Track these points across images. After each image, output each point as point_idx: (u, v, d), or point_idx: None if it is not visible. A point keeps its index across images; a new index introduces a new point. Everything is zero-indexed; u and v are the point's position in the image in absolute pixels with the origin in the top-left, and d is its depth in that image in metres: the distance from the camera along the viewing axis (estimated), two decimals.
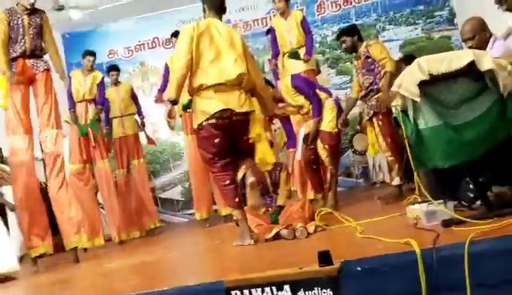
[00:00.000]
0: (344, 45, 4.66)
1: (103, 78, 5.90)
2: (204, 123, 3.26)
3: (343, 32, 4.69)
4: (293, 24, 5.41)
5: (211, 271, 2.85)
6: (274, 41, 5.60)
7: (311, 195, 5.22)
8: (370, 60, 4.47)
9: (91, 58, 5.81)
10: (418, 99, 2.27)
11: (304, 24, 5.47)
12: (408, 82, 2.31)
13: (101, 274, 3.51)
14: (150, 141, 6.57)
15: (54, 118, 4.32)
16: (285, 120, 4.92)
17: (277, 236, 3.20)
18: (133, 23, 8.18)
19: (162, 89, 5.81)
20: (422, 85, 2.28)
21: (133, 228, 5.95)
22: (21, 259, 5.25)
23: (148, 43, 8.17)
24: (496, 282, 1.85)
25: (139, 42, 8.15)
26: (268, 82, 4.70)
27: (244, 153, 3.47)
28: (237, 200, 3.34)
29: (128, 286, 2.64)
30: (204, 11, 3.58)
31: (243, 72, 3.31)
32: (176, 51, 3.47)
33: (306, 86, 4.56)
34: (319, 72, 5.84)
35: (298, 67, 5.32)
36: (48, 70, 4.35)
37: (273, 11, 7.73)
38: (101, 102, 5.82)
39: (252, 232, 3.33)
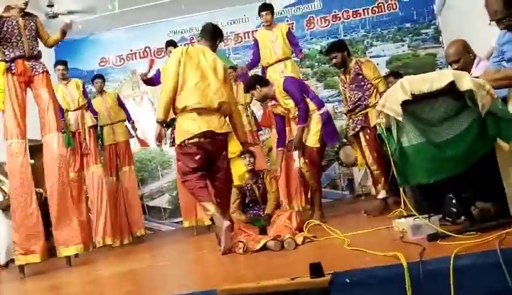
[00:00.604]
0: (334, 61, 4.70)
1: (83, 84, 6.02)
2: (187, 142, 3.63)
3: (333, 48, 4.73)
4: (278, 34, 5.52)
5: (202, 280, 2.88)
6: (256, 51, 5.70)
7: (298, 205, 5.32)
8: (360, 77, 4.56)
9: (60, 67, 5.88)
10: (401, 119, 2.36)
11: (290, 36, 5.57)
12: (391, 102, 2.41)
13: (91, 281, 3.52)
14: (142, 143, 6.59)
15: (58, 121, 4.36)
16: (279, 119, 4.94)
17: (265, 247, 3.25)
18: (125, 31, 8.25)
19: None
20: (405, 104, 2.37)
21: (119, 234, 5.96)
22: (6, 264, 5.26)
23: (139, 52, 8.22)
24: None
25: (131, 50, 8.22)
26: (261, 79, 4.83)
27: (219, 168, 3.79)
28: (211, 195, 3.70)
29: (119, 293, 2.67)
30: (199, 38, 4.06)
31: (223, 101, 3.70)
32: (166, 73, 3.80)
33: (297, 91, 4.57)
34: None
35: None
36: (47, 72, 4.38)
37: (263, 24, 7.88)
38: (93, 110, 6.00)
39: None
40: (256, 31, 8.03)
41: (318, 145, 4.58)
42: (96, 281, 3.51)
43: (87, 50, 7.87)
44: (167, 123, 4.31)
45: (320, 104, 4.70)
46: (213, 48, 3.91)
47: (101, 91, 6.41)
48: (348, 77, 4.69)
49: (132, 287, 2.88)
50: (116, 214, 6.01)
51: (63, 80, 5.88)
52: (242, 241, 3.38)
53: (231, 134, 3.81)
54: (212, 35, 3.91)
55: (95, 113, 6.04)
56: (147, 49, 8.19)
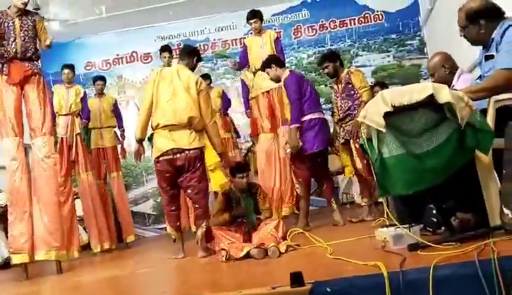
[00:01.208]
0: (326, 70, 4.81)
1: (85, 92, 5.98)
2: (160, 159, 3.89)
3: (325, 58, 4.85)
4: (267, 40, 5.54)
5: (183, 288, 2.87)
6: (244, 55, 5.72)
7: (285, 211, 5.32)
8: (350, 86, 4.67)
9: (66, 71, 5.85)
10: (383, 130, 2.38)
11: (277, 44, 5.59)
12: (372, 113, 2.43)
13: (72, 288, 3.48)
14: (123, 153, 6.52)
15: (48, 124, 4.29)
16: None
17: (248, 255, 3.25)
18: (112, 36, 8.21)
19: None
20: (386, 116, 2.39)
21: (107, 240, 5.90)
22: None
23: (126, 57, 8.19)
24: None
25: (117, 55, 8.18)
26: (278, 59, 4.88)
27: (189, 178, 3.91)
28: (178, 223, 4.11)
29: None
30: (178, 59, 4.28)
31: (192, 116, 3.88)
32: (144, 94, 4.14)
33: (295, 90, 4.50)
34: None
35: (268, 84, 5.36)
36: (40, 74, 4.31)
37: (251, 32, 7.92)
38: (87, 116, 5.93)
39: (183, 249, 4.01)
40: (244, 38, 8.11)
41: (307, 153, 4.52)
42: (77, 287, 3.47)
43: (73, 53, 7.80)
44: (149, 138, 4.65)
45: (317, 112, 4.61)
46: (191, 66, 4.15)
47: (100, 94, 6.35)
48: (339, 86, 4.80)
49: (114, 293, 2.86)
50: (102, 219, 5.93)
51: (68, 83, 5.84)
52: (224, 249, 3.37)
53: (204, 148, 4.00)
54: (188, 54, 4.16)
55: (88, 118, 5.98)
56: (134, 54, 8.15)
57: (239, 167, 4.21)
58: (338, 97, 4.81)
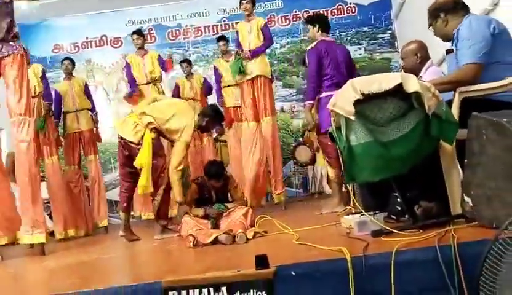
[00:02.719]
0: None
1: (43, 70, 5.75)
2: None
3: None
4: (254, 27, 5.52)
5: (149, 273, 2.84)
6: (238, 44, 5.68)
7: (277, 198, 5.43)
8: None
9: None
10: (353, 117, 2.41)
11: (265, 30, 5.57)
12: (342, 101, 2.45)
13: (38, 272, 3.42)
14: (98, 137, 6.39)
15: (30, 106, 4.16)
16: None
17: (216, 241, 3.25)
18: (82, 19, 8.03)
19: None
20: (355, 104, 2.41)
21: (80, 225, 5.80)
22: None
23: (95, 40, 8.02)
24: (418, 289, 2.00)
25: (86, 38, 8.00)
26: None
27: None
28: (125, 204, 4.34)
29: (64, 285, 2.60)
30: None
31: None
32: None
33: (314, 65, 4.36)
34: (272, 80, 5.92)
35: (254, 70, 5.42)
36: (18, 54, 4.09)
37: (224, 20, 7.89)
38: (48, 97, 5.73)
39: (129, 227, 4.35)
40: (216, 26, 8.06)
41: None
42: (43, 272, 3.40)
43: (40, 35, 7.60)
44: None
45: (327, 87, 4.39)
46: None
47: (69, 75, 6.14)
48: None
49: (77, 279, 2.82)
50: (76, 205, 5.82)
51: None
52: (192, 235, 3.36)
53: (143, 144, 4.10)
54: None
55: (50, 99, 5.79)
56: (103, 38, 8.00)
57: (209, 172, 4.22)
58: None
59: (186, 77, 6.70)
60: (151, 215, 5.66)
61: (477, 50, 2.65)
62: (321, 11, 8.01)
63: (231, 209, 3.93)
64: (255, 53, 5.42)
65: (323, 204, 4.68)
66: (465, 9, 2.87)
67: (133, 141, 4.11)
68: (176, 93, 6.56)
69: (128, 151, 4.16)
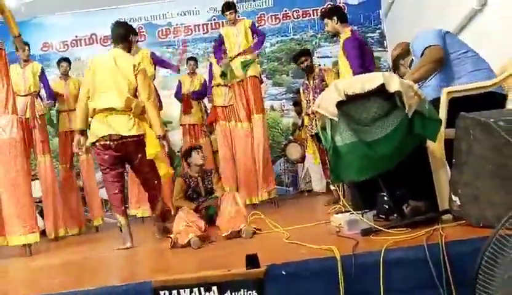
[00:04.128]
0: (303, 65, 5.32)
1: (42, 69, 5.75)
2: (96, 144, 3.73)
3: (304, 53, 5.45)
4: (241, 29, 5.57)
5: (139, 272, 2.85)
6: (219, 47, 5.73)
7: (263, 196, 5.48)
8: (324, 83, 5.13)
9: (26, 48, 5.61)
10: (336, 119, 2.43)
11: (254, 28, 5.66)
12: (326, 102, 2.48)
13: (27, 271, 3.40)
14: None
15: (11, 103, 4.10)
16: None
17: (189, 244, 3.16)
18: (71, 17, 7.97)
19: None
20: (339, 105, 2.45)
21: (72, 224, 5.77)
22: None
23: (85, 39, 7.96)
24: (408, 288, 2.03)
25: (76, 37, 7.94)
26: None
27: (137, 171, 3.98)
28: (123, 208, 3.83)
29: (51, 285, 2.59)
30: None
31: (128, 98, 3.70)
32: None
33: (357, 55, 4.09)
34: (261, 82, 5.97)
35: (241, 74, 5.50)
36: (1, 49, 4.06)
37: (214, 18, 7.90)
38: (51, 96, 5.79)
39: (131, 237, 3.71)
40: (206, 24, 8.05)
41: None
42: (32, 271, 3.41)
43: (28, 33, 7.48)
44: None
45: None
46: (128, 48, 4.00)
47: (65, 75, 6.20)
48: (312, 82, 5.29)
49: (66, 278, 2.81)
50: (68, 204, 5.79)
51: (24, 61, 5.63)
52: (170, 237, 3.31)
53: (146, 135, 3.76)
54: (122, 38, 3.95)
55: (53, 98, 5.85)
56: (93, 36, 7.95)
57: (190, 148, 4.42)
58: (310, 91, 5.26)
59: (189, 74, 6.94)
60: (146, 212, 5.69)
61: (431, 36, 2.92)
62: (310, 11, 8.07)
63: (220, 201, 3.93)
64: (255, 48, 5.59)
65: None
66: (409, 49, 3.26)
67: (130, 134, 3.71)
68: (179, 88, 6.91)
69: (122, 150, 3.74)
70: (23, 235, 4.00)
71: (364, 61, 4.10)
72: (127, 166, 4.05)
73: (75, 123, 5.92)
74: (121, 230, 3.79)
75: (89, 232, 6.03)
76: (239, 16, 5.80)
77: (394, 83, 2.40)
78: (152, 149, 3.72)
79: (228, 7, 5.61)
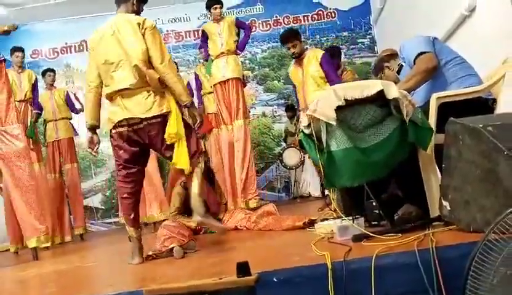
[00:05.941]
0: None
1: (36, 78, 5.79)
2: (112, 132, 3.12)
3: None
4: (224, 27, 5.48)
5: (130, 281, 2.82)
6: (205, 43, 5.64)
7: (252, 203, 5.36)
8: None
9: (19, 54, 5.65)
10: (334, 123, 2.44)
11: (238, 22, 5.59)
12: (324, 107, 2.48)
13: (16, 281, 3.37)
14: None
15: (15, 113, 4.17)
16: None
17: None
18: (60, 24, 7.95)
19: None
20: (336, 110, 2.45)
21: (59, 233, 5.75)
22: None
23: (75, 45, 7.94)
24: (398, 293, 2.02)
25: (66, 44, 7.92)
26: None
27: (169, 158, 3.14)
28: (131, 216, 3.18)
29: (43, 294, 2.57)
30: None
31: (136, 67, 2.97)
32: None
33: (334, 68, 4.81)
34: (244, 85, 5.90)
35: (223, 75, 5.41)
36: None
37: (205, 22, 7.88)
38: (38, 106, 5.83)
39: (142, 249, 3.19)
40: (197, 31, 8.05)
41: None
42: (22, 281, 3.37)
43: (18, 40, 7.42)
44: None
45: None
46: (132, 11, 3.27)
47: (51, 86, 6.22)
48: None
49: (56, 288, 2.78)
50: (55, 213, 5.76)
51: (18, 67, 5.64)
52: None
53: (170, 114, 3.04)
54: None
55: (40, 108, 5.88)
56: (83, 43, 7.92)
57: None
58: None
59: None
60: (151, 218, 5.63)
61: (422, 43, 2.91)
62: (301, 17, 8.10)
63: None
64: (242, 47, 5.54)
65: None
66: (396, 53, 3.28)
67: (150, 115, 3.01)
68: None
69: (143, 136, 3.06)
70: (41, 235, 4.21)
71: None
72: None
73: (62, 131, 6.00)
74: (130, 240, 3.27)
75: (74, 240, 6.03)
76: (223, 15, 5.67)
77: (392, 91, 2.42)
78: (171, 128, 2.98)
79: (216, 1, 5.52)
